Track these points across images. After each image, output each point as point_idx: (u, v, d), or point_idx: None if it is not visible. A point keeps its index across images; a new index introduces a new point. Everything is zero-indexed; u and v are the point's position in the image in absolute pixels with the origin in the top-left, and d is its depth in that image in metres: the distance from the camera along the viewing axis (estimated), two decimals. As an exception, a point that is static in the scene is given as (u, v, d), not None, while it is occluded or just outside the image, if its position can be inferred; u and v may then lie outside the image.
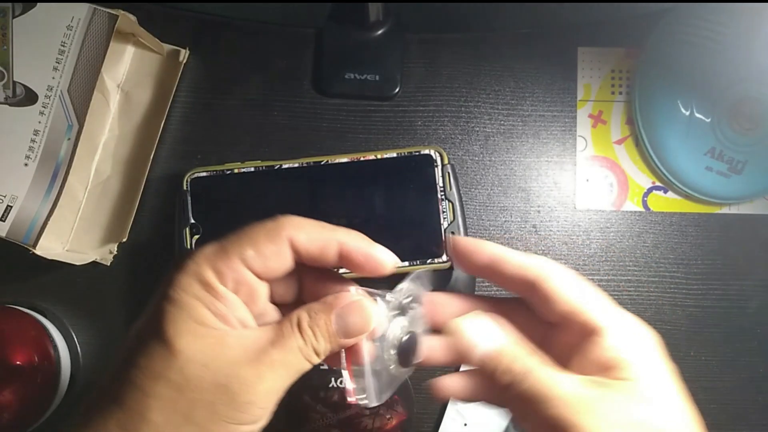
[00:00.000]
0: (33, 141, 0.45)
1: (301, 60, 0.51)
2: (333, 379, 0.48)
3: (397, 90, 0.51)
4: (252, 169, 0.47)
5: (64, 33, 0.45)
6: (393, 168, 0.47)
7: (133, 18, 0.47)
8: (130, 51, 0.50)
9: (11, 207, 0.45)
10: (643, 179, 0.51)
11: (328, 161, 0.47)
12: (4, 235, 0.45)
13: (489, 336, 0.29)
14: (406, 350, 0.29)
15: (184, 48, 0.50)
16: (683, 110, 0.50)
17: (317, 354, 0.27)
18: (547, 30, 0.52)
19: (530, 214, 0.51)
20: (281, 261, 0.27)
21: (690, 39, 0.49)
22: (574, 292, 0.29)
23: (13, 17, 0.44)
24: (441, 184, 0.47)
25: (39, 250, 0.45)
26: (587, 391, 0.26)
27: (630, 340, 0.28)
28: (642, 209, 0.51)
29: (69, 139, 0.45)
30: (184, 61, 0.49)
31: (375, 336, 0.29)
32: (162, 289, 0.26)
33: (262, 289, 0.28)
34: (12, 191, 0.45)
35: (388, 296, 0.29)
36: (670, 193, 0.51)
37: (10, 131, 0.45)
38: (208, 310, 0.26)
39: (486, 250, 0.30)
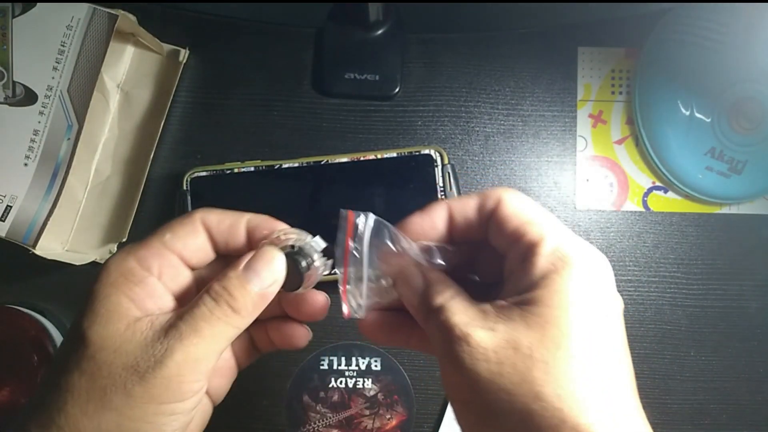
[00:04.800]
0: (33, 141, 0.45)
1: (301, 60, 0.51)
2: (333, 379, 0.48)
3: (397, 90, 0.51)
4: (252, 169, 0.47)
5: (64, 33, 0.44)
6: (393, 168, 0.47)
7: (132, 18, 0.47)
8: (129, 51, 0.50)
9: (11, 207, 0.45)
10: (643, 179, 0.51)
11: (328, 161, 0.47)
12: (3, 235, 0.45)
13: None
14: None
15: (184, 48, 0.50)
16: (683, 110, 0.50)
17: (237, 311, 0.27)
18: (547, 30, 0.52)
19: (530, 214, 0.51)
20: (198, 240, 0.29)
21: (690, 39, 0.49)
22: (527, 210, 0.27)
23: (13, 17, 0.44)
24: (441, 184, 0.47)
25: (39, 251, 0.45)
26: (478, 322, 0.25)
27: (560, 265, 0.25)
28: (642, 209, 0.51)
29: (69, 139, 0.45)
30: (184, 61, 0.49)
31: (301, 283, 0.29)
32: (86, 290, 0.27)
33: (187, 274, 0.29)
34: (12, 191, 0.45)
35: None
36: (670, 193, 0.51)
37: (10, 131, 0.45)
38: (123, 296, 0.26)
39: (438, 209, 0.29)
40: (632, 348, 0.52)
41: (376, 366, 0.48)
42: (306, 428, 0.47)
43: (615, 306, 0.26)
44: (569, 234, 0.27)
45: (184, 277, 0.29)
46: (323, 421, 0.47)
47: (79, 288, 0.49)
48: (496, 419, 0.24)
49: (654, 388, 0.50)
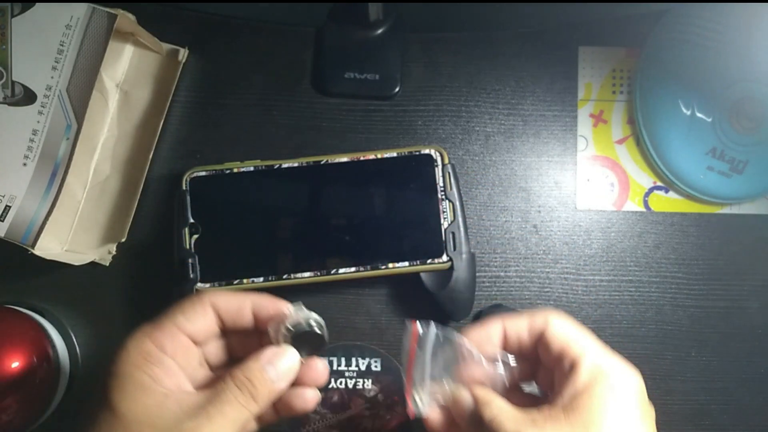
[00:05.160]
0: (31, 141, 0.45)
1: (301, 60, 0.51)
2: (333, 379, 0.48)
3: (397, 89, 0.51)
4: (251, 169, 0.47)
5: (63, 32, 0.44)
6: (393, 168, 0.47)
7: (132, 17, 0.47)
8: (129, 50, 0.50)
9: (10, 207, 0.45)
10: (644, 179, 0.51)
11: (328, 161, 0.47)
12: (2, 235, 0.45)
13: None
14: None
15: (184, 47, 0.50)
16: (684, 110, 0.50)
17: (255, 400, 0.31)
18: (548, 29, 0.52)
19: (531, 213, 0.51)
20: (207, 321, 0.33)
21: (691, 38, 0.49)
22: (570, 331, 0.33)
23: (12, 17, 0.44)
24: (441, 184, 0.47)
25: (38, 251, 0.45)
26: (527, 422, 0.31)
27: (599, 377, 0.31)
28: (643, 209, 0.51)
29: (68, 138, 0.45)
30: (184, 61, 0.49)
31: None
32: (107, 369, 0.30)
33: (197, 353, 0.33)
34: (10, 191, 0.45)
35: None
36: (671, 193, 0.51)
37: (9, 131, 0.45)
38: (146, 376, 0.30)
39: (494, 326, 0.35)
40: (633, 348, 0.53)
41: (376, 367, 0.48)
42: (306, 428, 0.47)
43: (649, 414, 0.32)
44: (605, 351, 0.33)
45: (193, 355, 0.33)
46: (323, 421, 0.47)
47: (78, 288, 0.49)
48: None
49: (655, 389, 0.50)
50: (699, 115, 0.50)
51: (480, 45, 0.52)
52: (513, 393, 0.35)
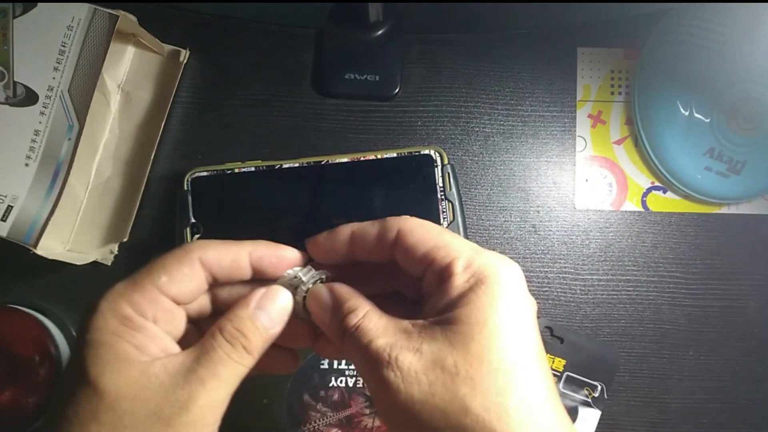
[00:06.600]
0: (33, 141, 0.45)
1: (301, 60, 0.51)
2: (333, 378, 0.48)
3: (397, 90, 0.51)
4: (252, 169, 0.47)
5: (65, 33, 0.45)
6: (393, 168, 0.47)
7: (133, 18, 0.47)
8: (130, 51, 0.50)
9: (12, 207, 0.45)
10: (642, 179, 0.52)
11: (328, 161, 0.47)
12: (5, 235, 0.45)
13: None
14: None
15: (185, 48, 0.50)
16: (682, 110, 0.50)
17: (249, 352, 0.27)
18: (547, 30, 0.52)
19: (530, 214, 0.51)
20: (195, 282, 0.28)
21: (689, 39, 0.49)
22: (433, 235, 0.28)
23: (14, 17, 0.44)
24: (441, 184, 0.47)
25: (40, 250, 0.45)
26: (401, 341, 0.26)
27: (474, 282, 0.26)
28: (641, 209, 0.51)
29: (69, 139, 0.45)
30: (185, 62, 0.49)
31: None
32: (79, 335, 0.26)
33: (181, 314, 0.29)
34: (13, 191, 0.45)
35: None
36: (669, 193, 0.52)
37: (11, 131, 0.45)
38: (128, 344, 0.26)
39: (342, 232, 0.30)
40: (631, 348, 0.53)
41: (376, 365, 0.48)
42: (306, 427, 0.47)
43: (528, 311, 0.27)
44: (477, 250, 0.28)
45: (179, 320, 0.29)
46: (324, 419, 0.47)
47: (80, 288, 0.49)
48: None
49: (653, 388, 0.50)
50: (697, 115, 0.50)
51: (479, 46, 0.52)
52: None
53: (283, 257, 0.30)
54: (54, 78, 0.45)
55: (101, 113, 0.49)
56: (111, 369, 0.25)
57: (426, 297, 0.28)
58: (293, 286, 0.30)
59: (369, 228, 0.30)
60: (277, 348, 0.30)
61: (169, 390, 0.25)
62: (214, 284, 0.30)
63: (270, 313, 0.28)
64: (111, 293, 0.27)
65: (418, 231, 0.28)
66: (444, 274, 0.27)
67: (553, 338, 0.49)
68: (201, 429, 0.26)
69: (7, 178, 0.45)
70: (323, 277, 0.30)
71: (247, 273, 0.29)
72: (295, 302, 0.30)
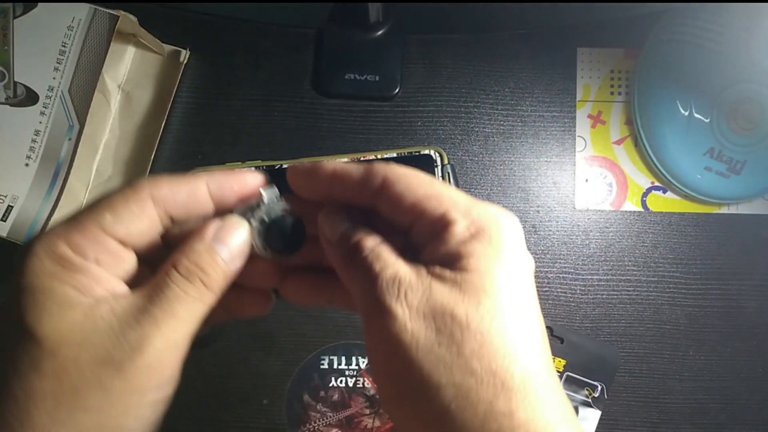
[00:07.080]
0: (34, 141, 0.45)
1: (301, 60, 0.51)
2: (333, 378, 0.48)
3: (397, 90, 0.51)
4: (252, 169, 0.47)
5: (65, 33, 0.45)
6: (393, 168, 0.47)
7: (133, 18, 0.47)
8: (130, 51, 0.50)
9: (12, 207, 0.45)
10: (642, 179, 0.52)
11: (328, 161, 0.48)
12: (5, 235, 0.45)
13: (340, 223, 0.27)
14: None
15: (185, 48, 0.50)
16: (682, 110, 0.50)
17: (209, 288, 0.25)
18: (547, 30, 0.52)
19: (530, 213, 0.51)
20: (146, 222, 0.25)
21: (689, 39, 0.49)
22: (423, 184, 0.26)
23: (14, 18, 0.44)
24: (441, 184, 0.47)
25: (40, 250, 0.45)
26: (411, 277, 0.24)
27: (475, 231, 0.25)
28: (641, 209, 0.51)
29: (70, 139, 0.45)
30: (185, 62, 0.50)
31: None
32: (14, 280, 0.23)
33: (130, 256, 0.25)
34: (13, 191, 0.45)
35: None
36: (669, 193, 0.52)
37: (11, 131, 0.45)
38: (67, 286, 0.23)
39: (324, 166, 0.27)
40: (631, 347, 0.53)
41: (376, 365, 0.48)
42: (306, 427, 0.47)
43: (529, 267, 0.25)
44: (473, 200, 0.26)
45: (127, 262, 0.25)
46: (323, 420, 0.47)
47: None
48: (430, 392, 0.22)
49: (653, 388, 0.50)
50: (697, 115, 0.50)
51: (479, 46, 0.52)
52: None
53: (245, 183, 0.27)
54: (54, 78, 0.45)
55: (101, 113, 0.49)
56: (49, 314, 0.22)
57: (420, 249, 0.26)
58: (254, 215, 0.27)
59: (353, 169, 0.27)
60: (244, 288, 0.28)
61: (119, 332, 0.22)
62: (173, 224, 0.26)
63: (229, 246, 0.25)
64: (48, 234, 0.24)
65: (405, 179, 0.26)
66: (439, 223, 0.25)
67: (553, 338, 0.49)
68: (158, 374, 0.23)
69: (8, 177, 0.45)
70: (288, 208, 0.27)
71: (208, 207, 0.26)
72: (254, 235, 0.26)
